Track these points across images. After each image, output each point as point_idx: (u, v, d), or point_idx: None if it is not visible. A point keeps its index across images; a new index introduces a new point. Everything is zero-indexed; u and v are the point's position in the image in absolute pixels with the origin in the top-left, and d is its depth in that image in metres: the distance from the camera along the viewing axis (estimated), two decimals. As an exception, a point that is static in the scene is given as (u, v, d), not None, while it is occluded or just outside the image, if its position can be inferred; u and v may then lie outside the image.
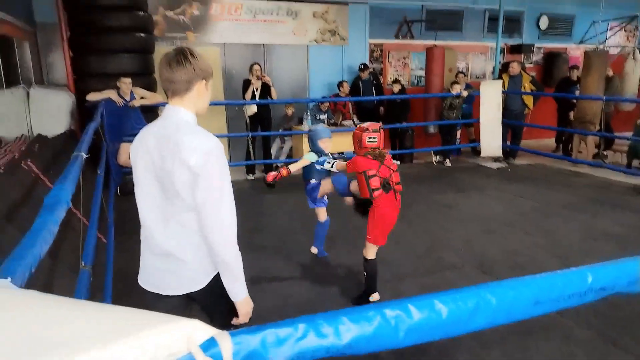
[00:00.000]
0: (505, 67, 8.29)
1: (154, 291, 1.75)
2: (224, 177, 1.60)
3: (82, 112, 5.84)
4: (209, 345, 0.60)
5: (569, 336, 2.94)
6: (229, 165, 1.71)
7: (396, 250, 4.26)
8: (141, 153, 1.68)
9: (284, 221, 5.17)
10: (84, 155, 2.44)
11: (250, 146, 6.86)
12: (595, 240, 4.50)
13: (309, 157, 3.76)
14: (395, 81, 8.15)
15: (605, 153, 7.50)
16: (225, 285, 1.71)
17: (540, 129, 9.27)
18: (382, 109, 8.22)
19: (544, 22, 9.95)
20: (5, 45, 5.27)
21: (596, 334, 2.94)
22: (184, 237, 1.67)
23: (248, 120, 6.81)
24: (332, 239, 4.52)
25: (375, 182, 3.11)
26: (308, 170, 3.82)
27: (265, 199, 6.04)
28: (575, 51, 10.24)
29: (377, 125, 3.21)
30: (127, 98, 5.67)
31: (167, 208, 1.66)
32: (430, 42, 8.44)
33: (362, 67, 7.96)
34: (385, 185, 3.13)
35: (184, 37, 7.31)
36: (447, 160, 8.00)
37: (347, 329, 0.67)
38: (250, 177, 7.11)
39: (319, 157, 3.74)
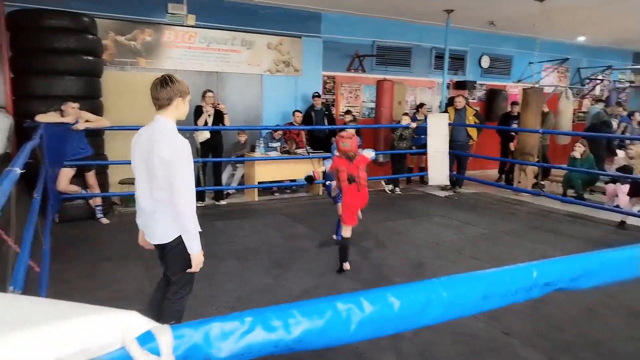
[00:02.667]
0: (451, 101, 8.70)
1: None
2: (183, 163, 2.33)
3: (21, 135, 5.53)
4: (147, 338, 0.55)
5: (516, 355, 2.99)
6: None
7: (348, 278, 4.25)
8: (137, 146, 2.50)
9: (237, 248, 5.04)
10: (18, 171, 2.28)
11: (201, 173, 6.72)
12: (537, 264, 4.69)
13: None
14: (347, 112, 8.35)
15: (543, 183, 7.93)
16: (184, 241, 2.44)
17: (484, 160, 9.73)
18: (333, 138, 8.33)
19: (485, 61, 10.61)
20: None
21: (542, 354, 3.01)
22: (157, 206, 2.45)
23: (199, 147, 6.70)
24: (284, 265, 4.46)
25: (342, 176, 4.13)
26: (327, 175, 4.92)
27: (215, 226, 5.88)
28: (513, 89, 10.93)
29: (350, 133, 4.20)
30: (72, 121, 5.44)
31: (149, 183, 2.43)
32: (380, 76, 8.74)
33: (316, 94, 8.13)
34: (350, 179, 4.09)
35: (134, 63, 7.18)
36: (397, 189, 8.18)
37: (297, 322, 0.64)
38: (200, 203, 6.94)
39: None
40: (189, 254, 2.48)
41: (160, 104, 2.44)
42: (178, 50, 7.45)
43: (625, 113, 10.13)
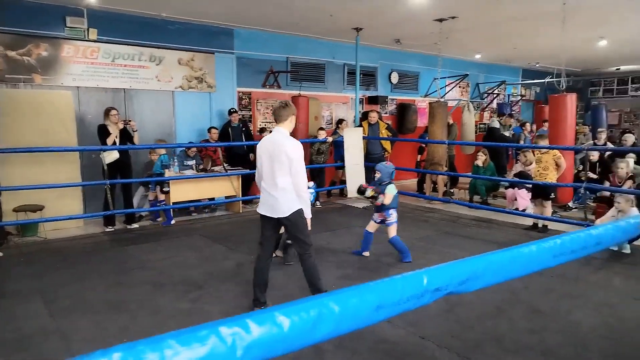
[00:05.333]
0: (364, 116, 9.00)
1: (264, 214, 3.69)
2: (301, 158, 3.54)
3: None
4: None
5: (432, 358, 3.10)
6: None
7: (271, 295, 4.17)
8: (263, 148, 3.65)
9: (151, 273, 4.76)
10: None
11: (109, 196, 6.29)
12: (449, 268, 4.93)
13: (392, 190, 5.07)
14: (262, 130, 8.33)
15: (452, 190, 8.44)
16: (303, 209, 3.63)
17: (399, 171, 10.15)
18: (252, 155, 8.28)
19: (394, 77, 11.15)
20: None
21: (455, 354, 3.15)
22: (279, 190, 3.55)
23: (106, 168, 6.28)
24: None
25: None
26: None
27: (127, 252, 5.52)
28: (422, 103, 11.59)
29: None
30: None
31: (273, 175, 3.55)
32: (295, 92, 8.84)
33: (233, 110, 8.04)
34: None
35: (29, 79, 6.61)
36: (317, 202, 8.26)
37: (175, 353, 0.59)
38: (110, 229, 6.49)
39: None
40: (304, 220, 3.67)
41: (281, 119, 3.64)
42: (79, 66, 6.98)
43: (517, 124, 11.12)
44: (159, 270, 4.83)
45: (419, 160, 9.68)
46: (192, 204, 7.39)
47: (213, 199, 7.75)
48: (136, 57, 7.48)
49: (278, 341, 0.68)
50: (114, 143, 6.34)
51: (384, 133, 8.59)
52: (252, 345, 0.65)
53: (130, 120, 6.68)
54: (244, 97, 8.88)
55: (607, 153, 7.45)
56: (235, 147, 8.00)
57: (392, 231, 5.08)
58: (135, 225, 6.69)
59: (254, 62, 8.90)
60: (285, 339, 0.69)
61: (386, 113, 10.96)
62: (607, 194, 6.36)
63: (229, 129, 8.01)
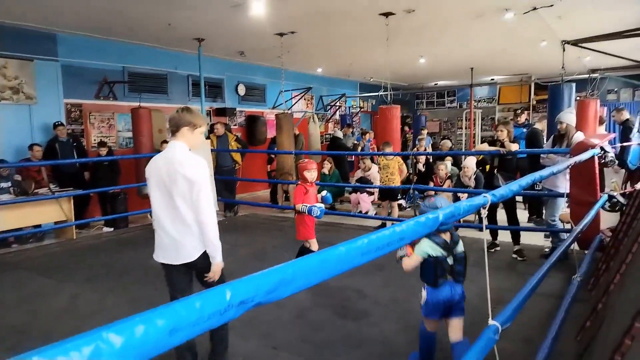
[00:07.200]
0: (211, 128, 8.81)
1: (165, 262, 2.77)
2: (204, 182, 2.58)
3: None
4: None
5: (283, 367, 3.12)
6: None
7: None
8: (151, 170, 2.70)
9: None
10: None
11: None
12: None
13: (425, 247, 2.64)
14: (101, 143, 7.60)
15: (302, 198, 8.72)
16: (208, 252, 2.67)
17: (253, 183, 10.18)
18: (86, 173, 7.49)
19: (241, 89, 11.17)
20: None
21: (304, 357, 3.22)
22: (180, 225, 2.64)
23: None
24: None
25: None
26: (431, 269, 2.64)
27: None
28: (270, 115, 11.80)
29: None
30: None
31: (169, 205, 2.64)
32: (135, 104, 8.26)
33: (58, 123, 7.17)
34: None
35: None
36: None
37: None
38: None
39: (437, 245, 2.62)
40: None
41: (171, 130, 2.71)
42: None
43: (358, 133, 12.07)
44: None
45: (269, 170, 9.82)
46: (10, 234, 6.34)
47: (39, 226, 6.76)
48: None
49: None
50: None
51: (233, 145, 8.52)
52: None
53: None
54: (73, 110, 7.97)
55: (431, 157, 8.50)
56: (64, 166, 7.11)
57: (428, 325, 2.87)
58: None
59: (85, 71, 8.06)
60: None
61: (235, 125, 10.90)
62: (433, 192, 7.22)
63: (56, 145, 7.10)
